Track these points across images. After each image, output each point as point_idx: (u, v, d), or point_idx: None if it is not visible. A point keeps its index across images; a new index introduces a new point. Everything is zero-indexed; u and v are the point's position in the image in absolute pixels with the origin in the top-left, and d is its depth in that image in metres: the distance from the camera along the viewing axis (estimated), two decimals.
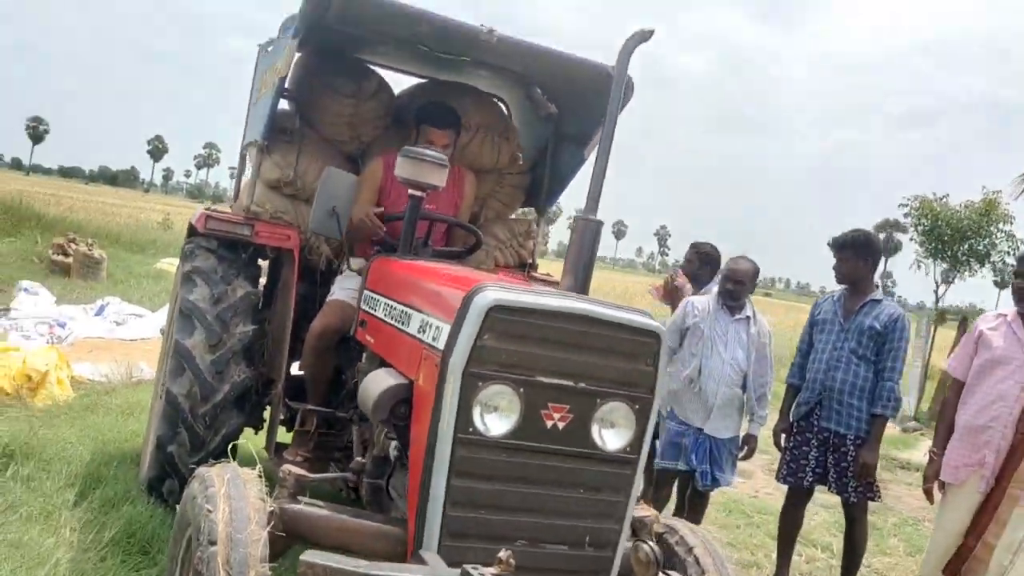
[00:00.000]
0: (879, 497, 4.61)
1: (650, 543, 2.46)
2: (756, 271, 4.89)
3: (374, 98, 4.30)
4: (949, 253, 14.37)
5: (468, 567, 2.20)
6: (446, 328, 2.52)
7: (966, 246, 14.41)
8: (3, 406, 5.51)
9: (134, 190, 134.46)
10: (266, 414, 4.17)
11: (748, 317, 4.80)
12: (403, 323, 2.95)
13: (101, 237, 15.25)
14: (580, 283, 2.89)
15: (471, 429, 2.43)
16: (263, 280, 4.51)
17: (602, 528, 2.58)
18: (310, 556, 2.18)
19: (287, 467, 2.66)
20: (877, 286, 4.64)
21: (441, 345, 2.51)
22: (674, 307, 5.28)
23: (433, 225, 3.97)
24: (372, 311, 3.32)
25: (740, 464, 6.83)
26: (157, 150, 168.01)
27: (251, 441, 4.03)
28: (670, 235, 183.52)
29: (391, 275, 3.30)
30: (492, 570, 2.19)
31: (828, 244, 4.73)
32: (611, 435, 2.59)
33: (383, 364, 3.07)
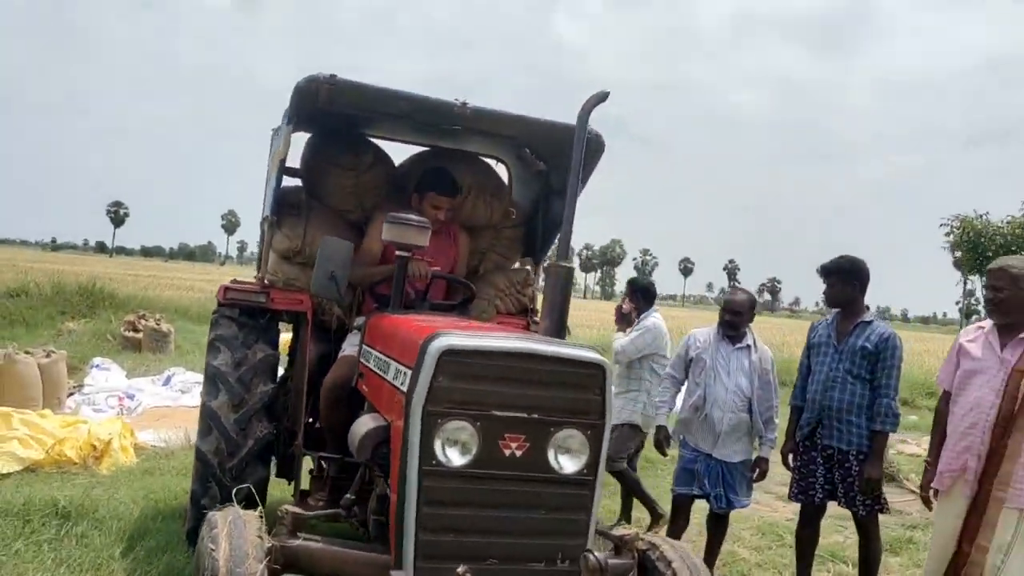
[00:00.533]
0: (887, 509, 4.72)
1: (595, 553, 2.70)
2: (753, 302, 5.12)
3: (373, 169, 4.70)
4: None
5: None
6: (409, 372, 2.85)
7: None
8: (70, 474, 6.02)
9: (211, 264, 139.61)
10: None
11: (749, 345, 5.01)
12: (384, 372, 3.29)
13: (170, 311, 16.09)
14: (555, 325, 3.23)
15: (434, 461, 2.75)
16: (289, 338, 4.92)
17: (567, 544, 2.86)
18: None
19: (284, 507, 3.02)
20: (867, 308, 4.81)
21: (405, 388, 2.84)
22: (625, 329, 6.19)
23: (433, 281, 4.34)
24: (367, 363, 3.67)
25: (776, 488, 6.96)
26: (231, 224, 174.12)
27: (286, 491, 4.40)
28: (739, 269, 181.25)
29: (379, 329, 3.65)
30: None
31: (816, 271, 4.92)
32: (566, 460, 2.88)
33: (373, 410, 3.42)
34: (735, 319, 4.98)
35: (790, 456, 4.90)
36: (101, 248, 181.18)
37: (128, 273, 34.12)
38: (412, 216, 3.84)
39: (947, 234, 14.56)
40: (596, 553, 2.72)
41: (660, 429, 5.17)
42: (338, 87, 3.94)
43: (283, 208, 4.59)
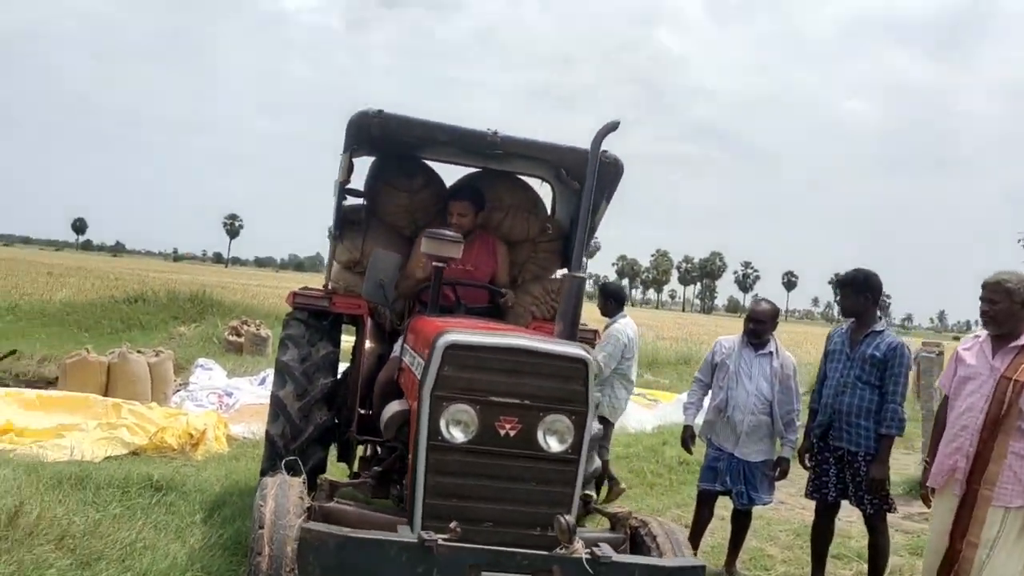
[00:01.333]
0: (894, 508, 5.00)
1: (565, 517, 3.17)
2: (775, 312, 5.49)
3: (425, 190, 5.29)
4: None
5: (423, 532, 3.03)
6: (423, 363, 3.41)
7: None
8: (169, 458, 6.84)
9: (319, 274, 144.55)
10: None
11: (771, 352, 5.37)
12: (412, 364, 3.86)
13: (271, 317, 17.21)
14: (568, 328, 3.77)
15: (440, 438, 3.31)
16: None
17: (553, 513, 3.31)
18: (309, 525, 3.04)
19: (323, 476, 3.61)
20: (880, 318, 5.10)
21: (420, 376, 3.40)
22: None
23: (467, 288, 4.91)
24: (404, 359, 4.24)
25: None
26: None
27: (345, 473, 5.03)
28: None
29: (412, 330, 4.22)
30: (443, 536, 3.02)
31: (829, 282, 5.25)
32: (554, 440, 3.39)
33: (402, 398, 3.99)
34: (759, 327, 5.35)
35: (806, 456, 5.22)
36: (218, 259, 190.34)
37: (238, 282, 36.15)
38: (447, 232, 4.39)
39: None
40: (566, 517, 3.18)
41: (686, 429, 5.57)
42: (385, 120, 4.52)
43: (346, 224, 5.21)
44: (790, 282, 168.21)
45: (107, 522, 4.35)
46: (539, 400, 3.35)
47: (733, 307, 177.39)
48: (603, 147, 4.06)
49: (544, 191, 5.75)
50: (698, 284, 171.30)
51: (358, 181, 5.32)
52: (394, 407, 3.79)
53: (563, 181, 5.56)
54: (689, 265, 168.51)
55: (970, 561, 4.14)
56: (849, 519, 5.95)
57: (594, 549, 3.14)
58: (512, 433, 3.33)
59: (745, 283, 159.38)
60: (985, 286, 4.29)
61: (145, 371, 9.36)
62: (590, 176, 3.83)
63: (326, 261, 5.55)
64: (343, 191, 5.04)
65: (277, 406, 4.73)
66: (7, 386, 9.05)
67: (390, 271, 4.42)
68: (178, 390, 10.30)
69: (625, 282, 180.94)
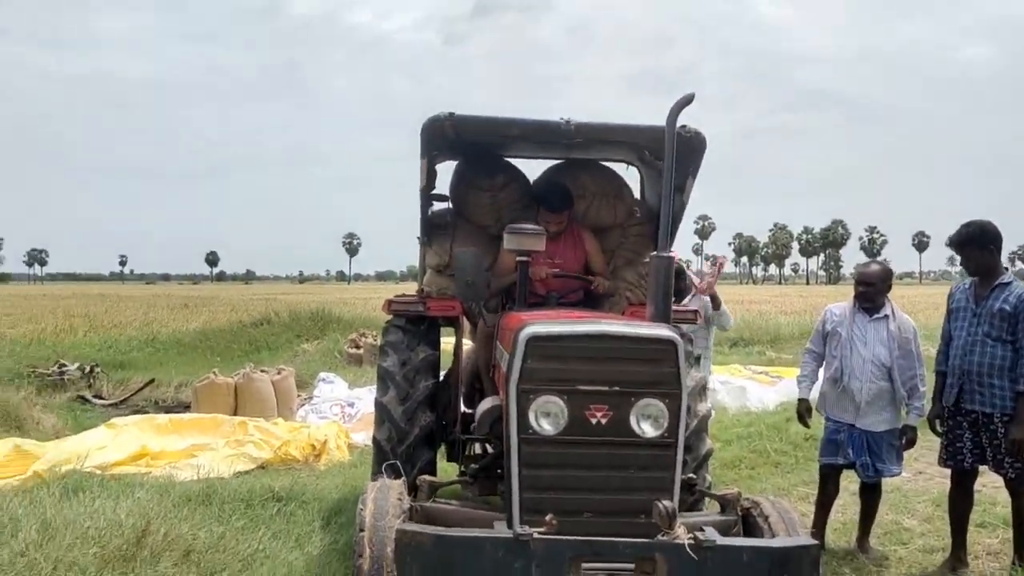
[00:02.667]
0: None
1: (664, 503, 3.04)
2: (886, 273, 5.19)
3: (507, 188, 5.25)
4: None
5: (518, 527, 2.99)
6: (508, 357, 3.37)
7: None
8: (294, 469, 7.07)
9: None
10: None
11: (887, 315, 5.06)
12: (501, 360, 3.83)
13: None
14: (661, 311, 3.63)
15: (530, 431, 3.26)
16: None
17: (653, 499, 3.16)
18: (403, 526, 3.04)
19: (422, 477, 3.63)
20: (1006, 269, 4.72)
21: (506, 370, 3.36)
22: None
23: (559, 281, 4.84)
24: (496, 356, 4.22)
25: None
26: None
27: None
28: None
29: (502, 326, 4.19)
30: (539, 529, 2.97)
31: (946, 244, 4.88)
32: (647, 425, 3.30)
33: (495, 395, 3.97)
34: (868, 290, 5.06)
35: (936, 422, 4.90)
36: (341, 277, 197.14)
37: (359, 297, 37.23)
38: (527, 225, 4.34)
39: None
40: (664, 502, 3.05)
41: (801, 402, 5.32)
42: (457, 122, 4.47)
43: (433, 229, 5.24)
44: (921, 243, 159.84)
45: (230, 535, 4.52)
46: (629, 385, 3.26)
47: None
48: (682, 122, 3.90)
49: (632, 176, 5.61)
50: (821, 255, 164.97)
51: (443, 187, 5.35)
52: (486, 404, 3.80)
53: (647, 162, 5.41)
54: (810, 236, 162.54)
55: None
56: (996, 484, 5.54)
57: (697, 534, 3.01)
58: (604, 421, 3.26)
59: (871, 249, 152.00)
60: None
61: (269, 389, 9.75)
62: (668, 153, 3.68)
63: (418, 267, 5.59)
64: (428, 197, 5.06)
65: (381, 412, 4.80)
66: (146, 412, 9.61)
67: (474, 269, 4.35)
68: (303, 404, 10.67)
69: (744, 260, 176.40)
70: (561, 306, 4.67)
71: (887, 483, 6.12)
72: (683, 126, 4.36)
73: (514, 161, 5.50)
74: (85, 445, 6.97)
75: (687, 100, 3.69)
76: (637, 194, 5.63)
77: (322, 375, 12.03)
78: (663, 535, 3.01)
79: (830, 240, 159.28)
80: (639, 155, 5.39)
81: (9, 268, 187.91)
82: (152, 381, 12.14)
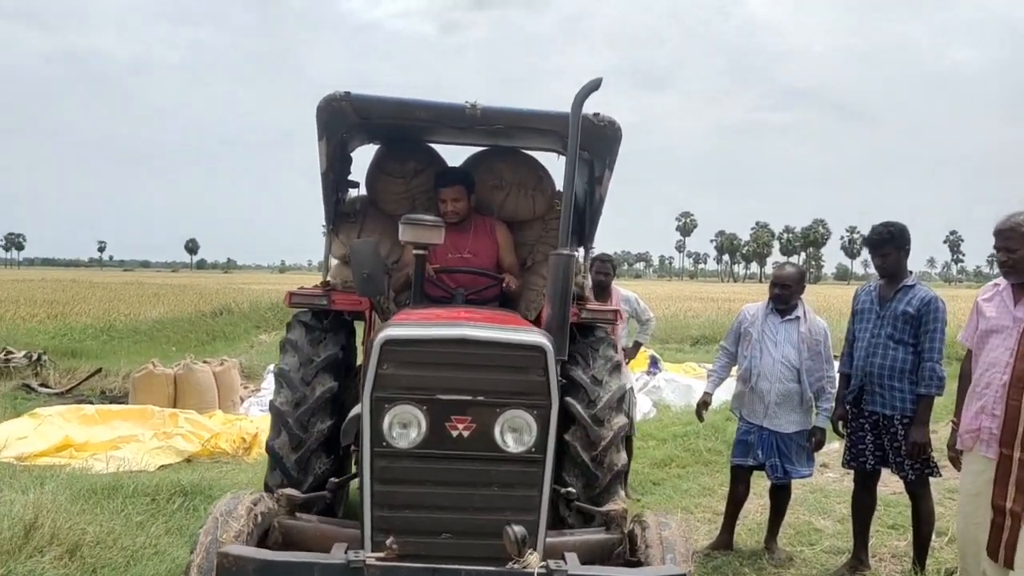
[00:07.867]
0: (938, 473, 4.65)
1: (514, 527, 2.80)
2: (801, 275, 5.20)
3: (421, 175, 5.06)
4: None
5: (351, 553, 2.80)
6: (365, 361, 3.24)
7: None
8: (220, 462, 6.97)
9: None
10: None
11: (798, 317, 5.05)
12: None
13: None
14: (558, 312, 3.37)
15: (384, 443, 3.01)
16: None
17: (521, 520, 2.94)
18: (227, 548, 2.76)
19: (280, 491, 3.40)
20: (910, 272, 4.72)
21: (363, 376, 3.15)
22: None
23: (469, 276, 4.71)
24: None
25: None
26: None
27: None
28: (963, 240, 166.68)
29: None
30: (376, 555, 2.76)
31: (863, 243, 4.86)
32: (513, 439, 3.05)
33: None
34: (783, 292, 5.05)
35: (840, 423, 4.90)
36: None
37: None
38: (425, 216, 4.14)
39: None
40: (514, 527, 2.81)
41: (704, 395, 5.33)
42: (355, 101, 4.25)
43: (341, 217, 5.06)
44: None
45: (121, 530, 4.44)
46: (494, 395, 3.02)
47: (842, 274, 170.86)
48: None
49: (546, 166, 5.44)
50: (802, 254, 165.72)
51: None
52: (355, 410, 3.50)
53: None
54: (791, 235, 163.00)
55: (1016, 531, 3.76)
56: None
57: (551, 562, 2.82)
58: (466, 434, 3.02)
59: (851, 249, 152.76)
60: (998, 233, 3.85)
61: (210, 380, 9.65)
62: (572, 141, 3.43)
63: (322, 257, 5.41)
64: (335, 183, 4.92)
65: (276, 416, 4.44)
66: (91, 403, 9.45)
67: (372, 260, 4.01)
68: (251, 395, 10.60)
69: (725, 257, 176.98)
70: (470, 303, 4.53)
71: (808, 483, 6.15)
72: (595, 114, 4.20)
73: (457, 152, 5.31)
74: (4, 435, 6.86)
75: (594, 86, 3.40)
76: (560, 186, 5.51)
77: (271, 367, 11.91)
78: (513, 563, 2.78)
79: (811, 239, 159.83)
80: (562, 144, 5.29)
81: None
82: (100, 370, 11.95)
